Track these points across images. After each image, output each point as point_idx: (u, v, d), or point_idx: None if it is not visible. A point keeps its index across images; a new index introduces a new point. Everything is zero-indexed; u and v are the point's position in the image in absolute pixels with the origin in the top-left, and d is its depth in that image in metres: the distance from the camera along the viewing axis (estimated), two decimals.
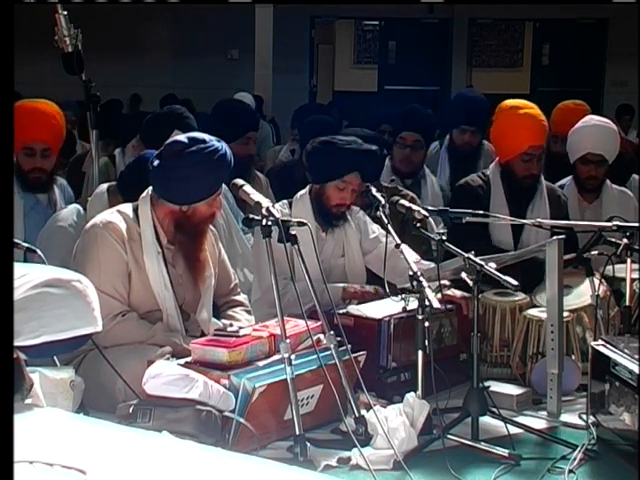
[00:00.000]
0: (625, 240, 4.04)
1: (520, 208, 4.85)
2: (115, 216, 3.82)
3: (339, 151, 4.34)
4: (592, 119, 5.25)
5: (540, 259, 4.30)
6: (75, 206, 4.42)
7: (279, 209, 3.89)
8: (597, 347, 3.58)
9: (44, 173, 4.77)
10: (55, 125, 4.88)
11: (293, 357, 3.33)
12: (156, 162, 3.79)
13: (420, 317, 3.55)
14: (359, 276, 4.47)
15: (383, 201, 4.04)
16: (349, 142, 4.39)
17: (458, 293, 4.15)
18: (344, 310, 4.03)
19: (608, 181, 5.22)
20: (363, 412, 3.45)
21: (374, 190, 4.14)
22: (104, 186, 4.41)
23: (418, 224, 3.90)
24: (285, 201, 4.46)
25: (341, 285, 4.30)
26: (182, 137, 3.81)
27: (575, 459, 3.35)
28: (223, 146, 3.80)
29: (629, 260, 4.03)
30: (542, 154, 4.89)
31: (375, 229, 4.51)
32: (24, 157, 4.72)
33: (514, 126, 4.87)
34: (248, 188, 3.75)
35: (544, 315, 4.00)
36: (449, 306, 4.06)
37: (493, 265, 3.57)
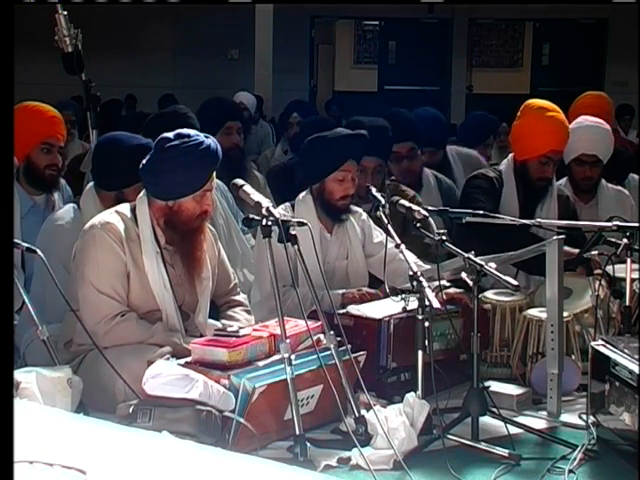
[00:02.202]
0: (625, 240, 4.05)
1: (530, 207, 4.86)
2: (113, 217, 3.82)
3: (329, 143, 4.36)
4: (585, 120, 5.24)
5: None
6: (70, 205, 4.42)
7: (282, 212, 3.89)
8: (597, 347, 3.58)
9: (58, 170, 4.78)
10: (62, 125, 4.90)
11: (293, 357, 3.33)
12: (145, 159, 3.80)
13: (420, 317, 3.55)
14: (361, 279, 4.47)
15: (383, 201, 4.05)
16: (336, 132, 4.45)
17: (460, 290, 4.15)
18: (344, 310, 4.02)
19: (604, 181, 5.22)
20: (363, 412, 3.45)
21: (374, 190, 4.14)
22: (92, 182, 4.42)
23: (418, 224, 3.90)
24: (287, 204, 4.45)
25: (340, 291, 4.29)
26: (170, 134, 3.80)
27: (575, 459, 3.35)
28: (208, 141, 3.77)
29: (629, 260, 4.04)
30: (559, 160, 4.89)
31: (379, 234, 4.51)
32: (41, 153, 4.68)
33: (539, 127, 4.85)
34: (248, 188, 3.75)
35: (544, 315, 4.00)
36: (453, 307, 4.07)
37: (493, 265, 3.57)
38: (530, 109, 4.96)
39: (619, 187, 5.33)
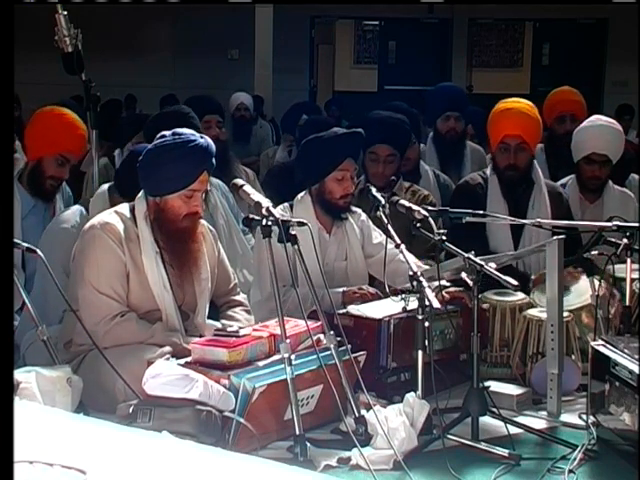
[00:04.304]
0: (625, 240, 4.04)
1: (520, 205, 4.86)
2: (113, 217, 3.82)
3: (326, 143, 4.36)
4: (599, 119, 5.26)
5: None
6: (78, 207, 4.42)
7: (280, 212, 3.88)
8: (597, 347, 3.58)
9: (60, 183, 4.76)
10: (86, 145, 4.87)
11: (293, 357, 3.33)
12: (141, 157, 3.81)
13: (420, 317, 3.55)
14: (361, 279, 4.46)
15: (383, 201, 4.04)
16: (333, 132, 4.45)
17: (459, 289, 4.15)
18: (344, 310, 4.02)
19: (610, 181, 5.22)
20: (363, 412, 3.45)
21: (374, 190, 4.14)
22: (105, 186, 4.42)
23: (418, 224, 3.90)
24: (286, 204, 4.45)
25: (341, 290, 4.29)
26: (167, 132, 3.81)
27: (575, 459, 3.35)
28: (201, 140, 3.76)
29: (629, 260, 4.03)
30: (522, 145, 4.87)
31: (378, 235, 4.51)
32: (53, 162, 4.66)
33: (494, 118, 5.00)
34: (248, 188, 3.74)
35: (544, 315, 4.00)
36: (452, 307, 4.07)
37: (493, 265, 3.57)
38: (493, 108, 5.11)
39: (624, 189, 5.34)
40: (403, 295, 3.85)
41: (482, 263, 3.53)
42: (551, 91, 6.65)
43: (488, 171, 5.02)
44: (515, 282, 3.46)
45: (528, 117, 4.92)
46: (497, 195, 4.90)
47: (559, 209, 4.90)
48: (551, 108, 6.17)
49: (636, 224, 4.11)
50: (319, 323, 3.59)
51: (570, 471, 3.27)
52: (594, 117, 5.30)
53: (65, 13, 4.96)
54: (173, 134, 3.78)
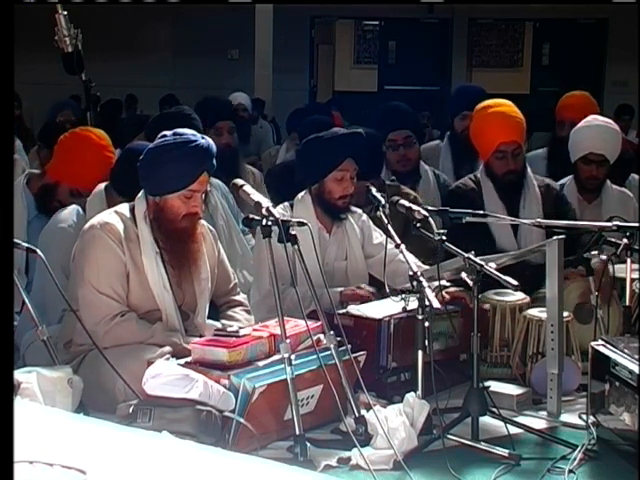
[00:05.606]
0: (625, 240, 4.04)
1: (513, 205, 4.86)
2: (113, 217, 3.82)
3: (326, 143, 4.35)
4: (595, 119, 5.25)
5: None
6: (74, 207, 4.41)
7: (281, 212, 3.88)
8: (597, 347, 3.58)
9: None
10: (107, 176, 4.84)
11: (293, 357, 3.33)
12: (142, 156, 3.81)
13: (420, 317, 3.55)
14: (361, 279, 4.46)
15: (383, 201, 4.04)
16: (333, 132, 4.44)
17: (460, 289, 4.14)
18: (344, 310, 4.02)
19: (608, 181, 5.21)
20: (363, 412, 3.45)
21: (374, 190, 4.14)
22: (101, 185, 4.40)
23: (418, 224, 3.90)
24: (286, 203, 4.44)
25: (339, 289, 4.29)
26: (168, 132, 3.81)
27: (575, 459, 3.35)
28: (201, 141, 3.75)
29: (629, 260, 4.03)
30: (518, 150, 4.86)
31: (378, 235, 4.50)
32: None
33: (484, 125, 4.93)
34: (248, 188, 3.74)
35: (544, 315, 4.00)
36: (452, 307, 4.07)
37: (493, 265, 3.57)
38: (476, 111, 5.04)
39: (623, 189, 5.34)
40: (403, 295, 3.85)
41: (482, 263, 3.54)
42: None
43: (479, 175, 4.99)
44: (515, 282, 3.46)
45: (519, 120, 4.91)
46: (494, 198, 4.87)
47: (548, 201, 4.89)
48: (563, 110, 6.12)
49: (636, 224, 4.11)
50: (319, 323, 3.59)
51: (570, 471, 3.27)
52: (591, 117, 5.29)
53: (65, 13, 4.98)
54: (174, 134, 3.78)
